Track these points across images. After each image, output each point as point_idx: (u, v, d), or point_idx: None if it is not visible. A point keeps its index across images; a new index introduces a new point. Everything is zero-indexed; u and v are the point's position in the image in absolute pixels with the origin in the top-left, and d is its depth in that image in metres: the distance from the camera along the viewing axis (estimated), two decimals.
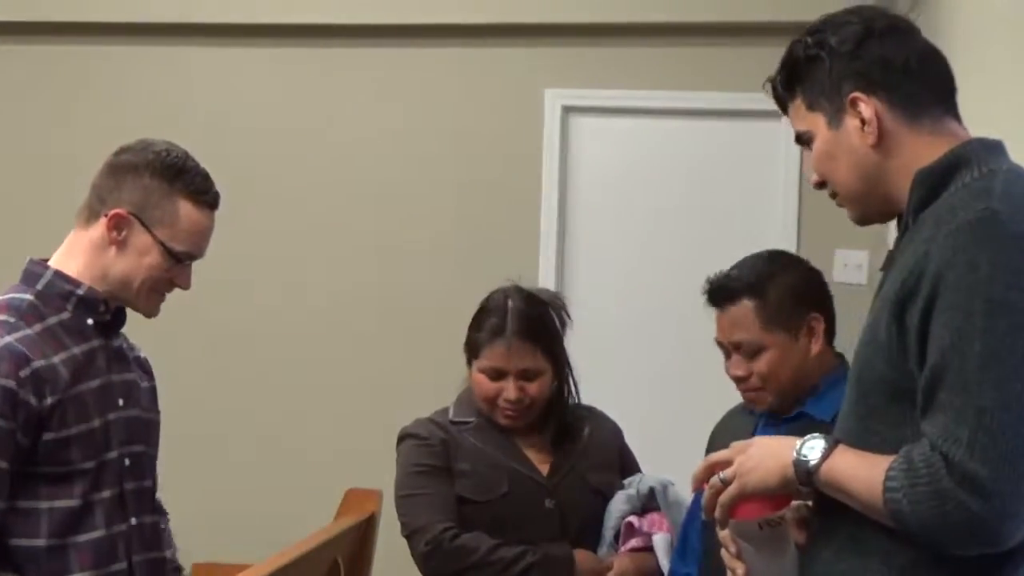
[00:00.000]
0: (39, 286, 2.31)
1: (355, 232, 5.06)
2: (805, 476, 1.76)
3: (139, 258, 2.32)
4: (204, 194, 2.36)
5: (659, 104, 4.92)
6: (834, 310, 2.63)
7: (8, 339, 2.21)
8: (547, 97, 4.96)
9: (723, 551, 1.94)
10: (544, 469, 2.85)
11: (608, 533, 2.83)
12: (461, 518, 2.77)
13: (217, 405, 5.05)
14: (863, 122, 1.82)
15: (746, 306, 2.54)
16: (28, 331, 2.24)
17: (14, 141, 5.24)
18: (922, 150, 1.80)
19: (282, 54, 5.13)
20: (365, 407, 4.94)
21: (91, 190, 2.37)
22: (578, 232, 4.98)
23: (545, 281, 4.69)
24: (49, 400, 2.21)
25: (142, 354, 2.53)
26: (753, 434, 2.57)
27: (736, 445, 1.89)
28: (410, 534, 2.79)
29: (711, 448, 2.71)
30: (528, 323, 2.81)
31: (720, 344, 2.61)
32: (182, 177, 2.34)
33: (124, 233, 2.32)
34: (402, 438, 2.90)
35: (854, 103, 1.82)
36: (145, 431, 2.44)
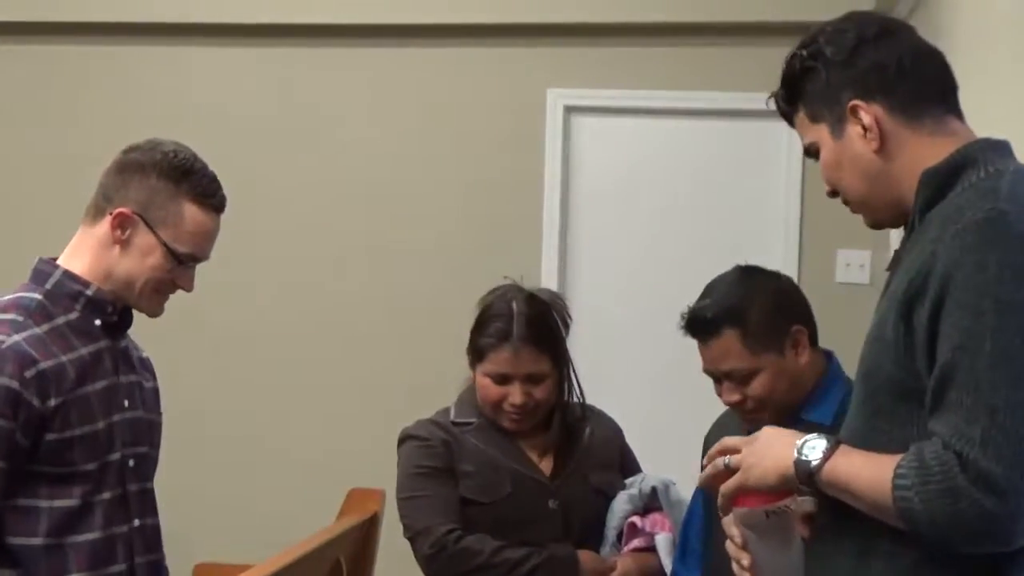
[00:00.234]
0: (48, 285, 2.31)
1: (357, 232, 5.07)
2: (806, 477, 1.76)
3: (142, 258, 2.32)
4: (210, 197, 2.36)
5: (661, 104, 4.92)
6: (812, 314, 2.61)
7: (16, 338, 2.21)
8: (549, 97, 4.96)
9: (728, 542, 1.94)
10: (546, 470, 2.85)
11: (611, 533, 2.83)
12: (464, 519, 2.76)
13: (219, 405, 5.05)
14: (864, 129, 1.82)
15: (730, 336, 2.50)
16: (36, 330, 2.25)
17: (15, 141, 5.24)
18: (925, 151, 1.80)
19: (283, 54, 5.13)
20: (367, 407, 4.95)
21: (98, 188, 2.37)
22: (580, 232, 4.98)
23: (547, 281, 4.69)
24: (53, 401, 2.21)
25: (145, 354, 2.53)
26: (750, 433, 2.57)
27: (751, 437, 1.89)
28: (413, 536, 2.79)
29: (706, 451, 2.71)
30: (534, 328, 2.80)
31: (710, 374, 2.58)
32: (188, 179, 2.34)
33: (128, 232, 2.32)
34: (403, 439, 2.90)
35: (854, 111, 1.83)
36: (148, 432, 2.44)
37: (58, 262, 2.35)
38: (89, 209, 2.37)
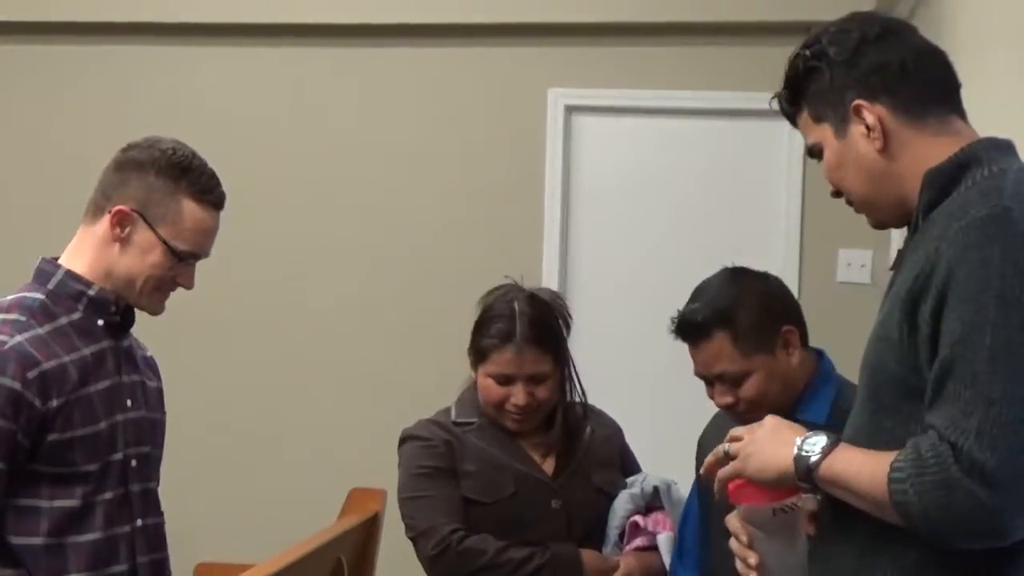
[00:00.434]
0: (51, 285, 2.31)
1: (358, 231, 5.06)
2: (805, 473, 1.76)
3: (142, 256, 2.32)
4: (209, 193, 2.36)
5: (662, 104, 4.91)
6: (802, 313, 2.61)
7: (18, 339, 2.21)
8: (550, 96, 4.95)
9: (732, 541, 1.94)
10: (548, 469, 2.85)
11: (613, 532, 2.83)
12: (467, 520, 2.76)
13: (220, 405, 5.05)
14: (868, 129, 1.83)
15: (720, 338, 2.50)
16: (38, 331, 2.24)
17: (17, 141, 5.25)
18: (929, 150, 1.81)
19: (284, 53, 5.13)
20: (369, 407, 4.95)
21: (97, 186, 2.37)
22: (581, 231, 4.98)
23: (548, 280, 4.69)
24: (55, 402, 2.21)
25: (149, 353, 2.53)
26: None
27: (755, 424, 1.89)
28: (416, 536, 2.78)
29: (700, 456, 2.70)
30: (537, 328, 2.80)
31: (701, 377, 2.57)
32: (187, 176, 2.33)
33: (127, 230, 2.32)
34: (404, 440, 2.90)
35: (857, 111, 1.83)
36: (152, 432, 2.44)
37: (59, 262, 2.35)
38: (89, 208, 2.37)
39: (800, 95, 1.91)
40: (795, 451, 1.77)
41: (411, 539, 2.80)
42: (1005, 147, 1.82)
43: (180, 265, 2.35)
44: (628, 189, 4.95)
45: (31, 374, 2.19)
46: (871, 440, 1.76)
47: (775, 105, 1.97)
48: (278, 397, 5.06)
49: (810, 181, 4.72)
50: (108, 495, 2.29)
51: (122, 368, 2.37)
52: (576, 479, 2.85)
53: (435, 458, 2.82)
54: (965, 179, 1.77)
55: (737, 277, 2.61)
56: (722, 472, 1.89)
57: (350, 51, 5.09)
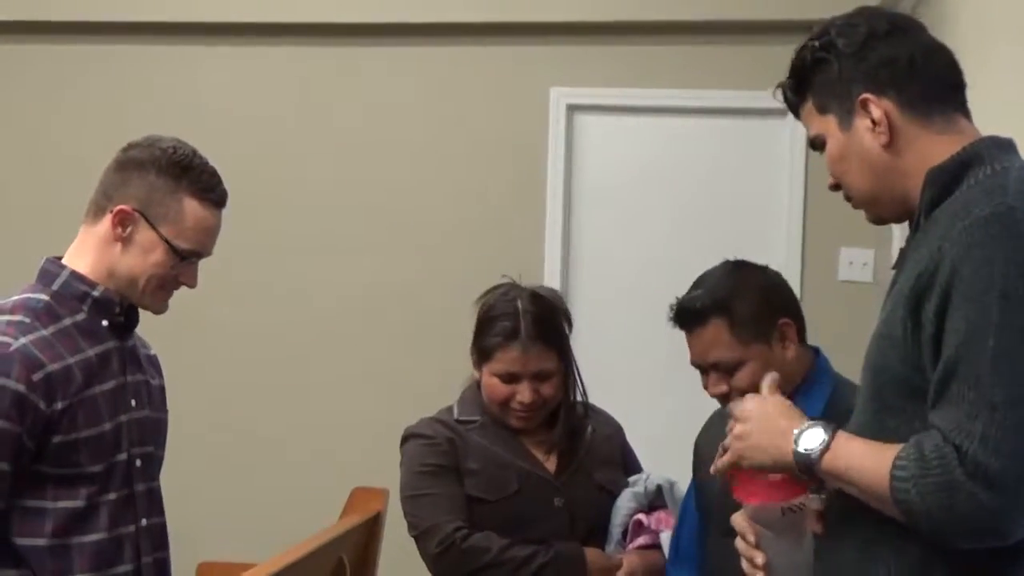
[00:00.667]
0: (55, 286, 2.31)
1: (360, 230, 5.07)
2: (807, 468, 1.76)
3: (144, 255, 2.32)
4: (210, 192, 2.36)
5: (664, 102, 4.91)
6: (800, 308, 2.61)
7: (23, 341, 2.20)
8: (552, 95, 4.95)
9: (738, 540, 1.93)
10: (551, 468, 2.85)
11: (616, 531, 2.83)
12: (470, 517, 2.76)
13: (222, 404, 5.05)
14: (874, 123, 1.82)
15: (717, 325, 2.51)
16: (43, 332, 2.24)
17: (17, 140, 5.25)
18: (934, 148, 1.80)
19: (285, 53, 5.13)
20: (370, 406, 4.95)
21: (98, 186, 2.36)
22: (583, 230, 4.98)
23: (550, 279, 4.69)
24: (60, 404, 2.21)
25: (152, 352, 2.53)
26: None
27: (741, 406, 1.90)
28: (420, 535, 2.78)
29: (697, 457, 2.70)
30: (542, 326, 2.81)
31: (697, 366, 2.58)
32: (188, 174, 2.33)
33: (129, 230, 2.31)
34: (407, 438, 2.90)
35: (864, 104, 1.83)
36: (155, 431, 2.44)
37: (63, 262, 2.35)
38: (90, 208, 2.36)
39: (806, 85, 1.90)
40: (793, 446, 1.77)
41: (414, 537, 2.80)
42: (1006, 145, 1.82)
43: (183, 264, 2.35)
44: (630, 188, 4.95)
45: (36, 376, 2.18)
46: (874, 437, 1.75)
47: (778, 95, 1.96)
48: (280, 396, 5.07)
49: (812, 180, 4.72)
50: (112, 495, 2.29)
51: (126, 368, 2.37)
52: (578, 477, 2.85)
53: (438, 456, 2.82)
54: (968, 177, 1.77)
55: (737, 268, 2.62)
56: (719, 461, 1.89)
57: (352, 50, 5.09)
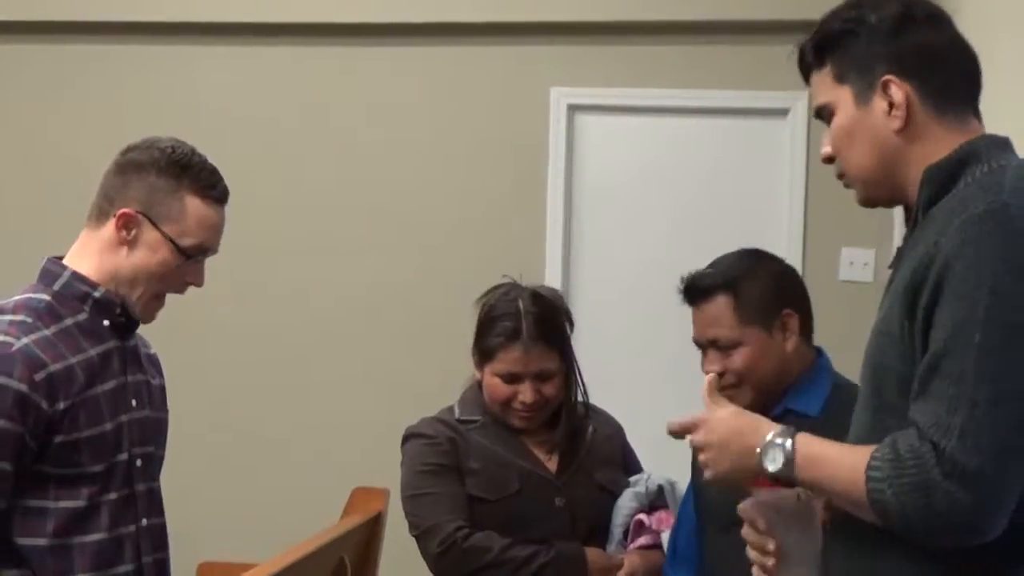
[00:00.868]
0: (56, 287, 2.31)
1: (360, 230, 5.07)
2: (786, 482, 1.77)
3: (150, 256, 2.32)
4: (211, 189, 2.36)
5: (665, 102, 4.91)
6: (810, 306, 2.62)
7: (25, 341, 2.20)
8: (553, 95, 4.95)
9: (745, 529, 1.92)
10: (552, 467, 2.85)
11: (617, 531, 2.84)
12: (471, 517, 2.76)
13: (222, 404, 5.05)
14: (891, 105, 1.80)
15: (721, 302, 2.55)
16: (45, 332, 2.24)
17: (16, 140, 5.25)
18: (942, 143, 1.80)
19: (286, 53, 5.13)
20: (371, 406, 4.95)
21: (99, 190, 2.37)
22: (584, 230, 4.98)
23: (551, 280, 4.68)
24: (62, 404, 2.21)
25: (153, 351, 2.53)
26: None
27: (700, 432, 1.89)
28: (421, 534, 2.78)
29: (696, 463, 2.70)
30: (543, 326, 2.81)
31: (697, 343, 2.61)
32: (188, 173, 2.33)
33: (134, 232, 2.31)
34: (408, 437, 2.90)
35: (886, 85, 1.80)
36: (156, 431, 2.45)
37: (64, 262, 2.35)
38: (92, 212, 2.37)
39: (828, 51, 1.86)
40: (759, 463, 1.77)
41: (415, 537, 2.80)
42: (1003, 143, 1.82)
43: (189, 263, 2.35)
44: (631, 188, 4.95)
45: (38, 376, 2.18)
46: (874, 435, 1.74)
47: (794, 56, 1.92)
48: (281, 396, 5.06)
49: (813, 180, 4.72)
50: (113, 495, 2.29)
51: (127, 368, 2.37)
52: (579, 477, 2.85)
53: (439, 455, 2.82)
54: (965, 175, 1.76)
55: (753, 254, 2.66)
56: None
57: (352, 50, 5.09)
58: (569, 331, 2.89)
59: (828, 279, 4.73)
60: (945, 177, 1.77)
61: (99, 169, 2.40)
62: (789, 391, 2.55)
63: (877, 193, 1.88)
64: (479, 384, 2.90)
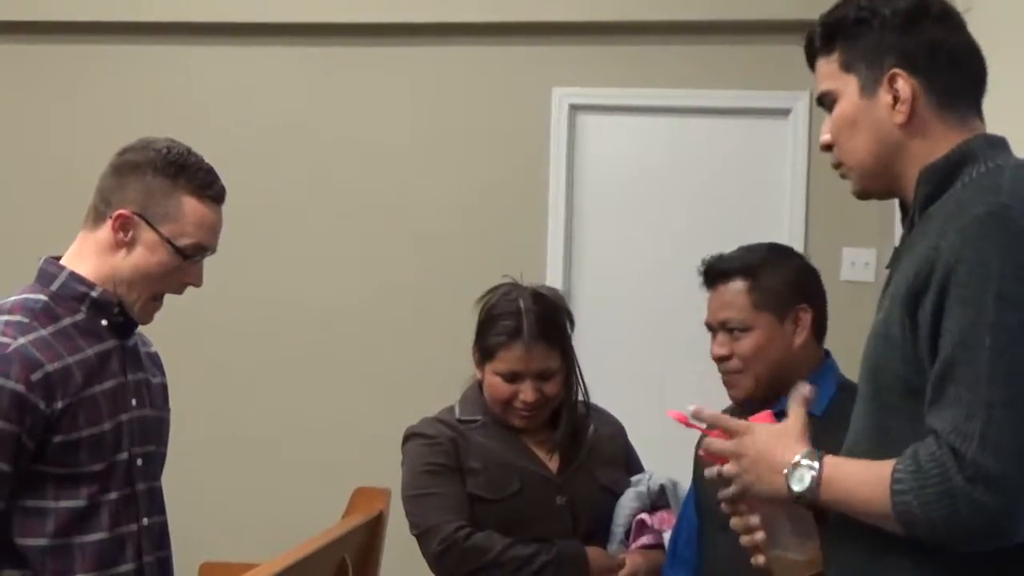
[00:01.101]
0: (54, 287, 2.31)
1: (362, 230, 5.07)
2: (808, 505, 1.77)
3: (148, 257, 2.32)
4: (208, 188, 2.36)
5: (666, 102, 4.91)
6: (826, 307, 2.64)
7: (22, 341, 2.20)
8: (554, 95, 4.95)
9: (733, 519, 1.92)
10: (553, 466, 2.85)
11: (619, 530, 2.84)
12: (472, 517, 2.76)
13: (224, 404, 5.06)
14: (896, 100, 1.80)
15: (738, 285, 2.58)
16: (42, 332, 2.24)
17: (17, 140, 5.25)
18: (944, 141, 1.80)
19: (286, 52, 5.13)
20: (373, 406, 4.95)
21: (96, 192, 2.36)
22: (585, 230, 4.98)
23: (552, 279, 4.69)
24: (60, 404, 2.21)
25: (154, 349, 2.53)
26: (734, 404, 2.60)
27: (736, 442, 1.86)
28: (421, 534, 2.78)
29: (698, 463, 2.70)
30: (544, 324, 2.81)
31: (708, 325, 2.64)
32: (184, 173, 2.33)
33: (131, 233, 2.31)
34: (408, 437, 2.90)
35: (893, 79, 1.80)
36: (157, 430, 2.44)
37: (62, 263, 2.35)
38: (89, 213, 2.36)
39: (838, 38, 1.86)
40: (786, 484, 1.76)
41: (416, 536, 2.81)
42: (999, 143, 1.82)
43: (187, 263, 2.35)
44: (632, 188, 4.95)
45: (35, 376, 2.18)
46: (876, 442, 1.75)
47: (803, 41, 1.91)
48: (282, 397, 5.07)
49: (814, 180, 4.71)
50: (114, 495, 2.29)
51: (127, 367, 2.37)
52: (580, 476, 2.85)
53: (440, 455, 2.82)
54: (961, 175, 1.76)
55: (779, 247, 2.73)
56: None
57: (353, 50, 5.09)
58: (570, 330, 2.89)
59: (829, 279, 4.65)
60: (941, 177, 1.78)
61: (98, 169, 2.40)
62: (790, 393, 2.54)
63: (873, 185, 1.88)
64: (479, 384, 2.90)
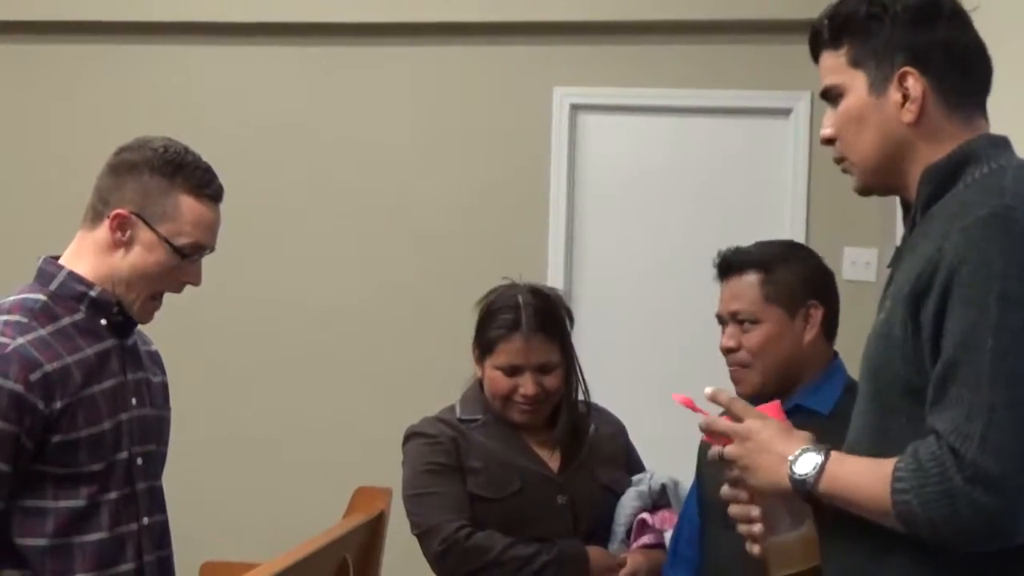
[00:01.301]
0: (52, 287, 2.31)
1: (362, 230, 5.07)
2: (804, 494, 1.76)
3: (146, 256, 2.31)
4: (205, 187, 2.35)
5: (667, 102, 4.91)
6: (838, 308, 2.64)
7: (20, 341, 2.20)
8: (556, 95, 4.95)
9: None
10: (554, 465, 2.85)
11: (620, 529, 2.84)
12: (473, 516, 2.76)
13: (224, 404, 5.06)
14: (905, 98, 1.79)
15: (751, 278, 2.58)
16: (41, 332, 2.24)
17: (16, 140, 5.25)
18: (949, 141, 1.79)
19: (286, 52, 5.13)
20: (373, 406, 4.95)
21: (94, 192, 2.36)
22: (586, 230, 4.98)
23: (553, 278, 4.69)
24: (59, 404, 2.20)
25: (154, 348, 2.53)
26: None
27: (746, 424, 1.85)
28: (422, 534, 2.78)
29: (702, 458, 2.70)
30: (543, 317, 2.82)
31: (719, 317, 2.64)
32: (181, 172, 2.32)
33: (128, 233, 2.31)
34: (409, 437, 2.90)
35: (904, 77, 1.79)
36: (157, 429, 2.44)
37: (60, 262, 2.34)
38: (87, 213, 2.36)
39: (847, 33, 1.84)
40: (788, 471, 1.76)
41: (417, 536, 2.80)
42: (1002, 143, 1.82)
43: (186, 262, 2.34)
44: (633, 188, 4.95)
45: (34, 376, 2.18)
46: (876, 442, 1.75)
47: (806, 38, 1.90)
48: (283, 397, 5.07)
49: (815, 180, 4.71)
50: (114, 494, 2.29)
51: (127, 366, 2.36)
52: (581, 475, 2.85)
53: (441, 455, 2.82)
54: (964, 176, 1.76)
55: (796, 245, 2.77)
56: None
57: (353, 50, 5.09)
58: (569, 328, 2.89)
59: None
60: (944, 177, 1.77)
61: (97, 169, 2.39)
62: (802, 387, 2.55)
63: (876, 182, 1.88)
64: (480, 383, 2.90)
